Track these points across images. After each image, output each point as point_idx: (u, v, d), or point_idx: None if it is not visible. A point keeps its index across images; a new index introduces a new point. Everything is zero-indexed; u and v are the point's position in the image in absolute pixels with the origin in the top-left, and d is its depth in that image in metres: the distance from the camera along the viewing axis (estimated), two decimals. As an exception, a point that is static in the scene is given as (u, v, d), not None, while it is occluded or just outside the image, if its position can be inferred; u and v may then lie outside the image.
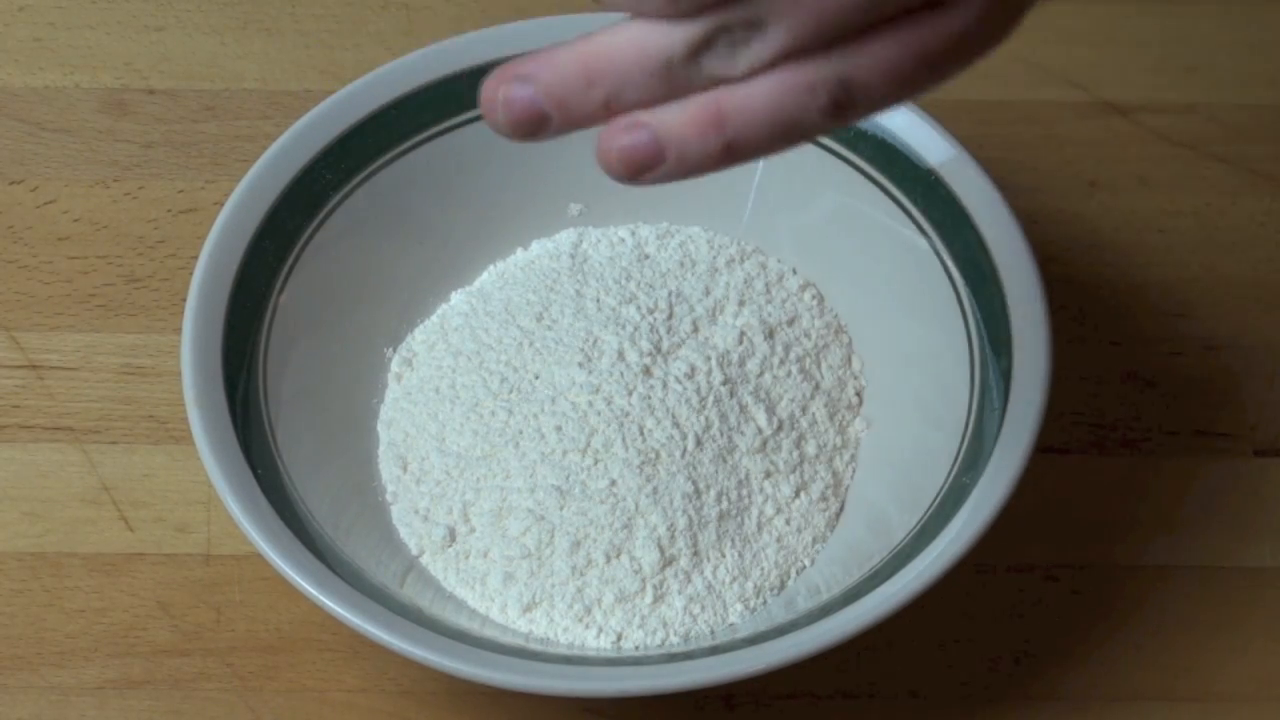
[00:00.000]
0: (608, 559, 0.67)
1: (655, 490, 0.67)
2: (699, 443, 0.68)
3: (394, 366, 0.72)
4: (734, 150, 0.52)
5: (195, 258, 0.69)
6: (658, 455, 0.68)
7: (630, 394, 0.68)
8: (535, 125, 0.53)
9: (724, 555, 0.67)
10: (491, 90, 0.53)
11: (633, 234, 0.74)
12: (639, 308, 0.71)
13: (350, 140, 0.72)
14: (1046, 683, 0.68)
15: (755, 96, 0.51)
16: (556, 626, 0.66)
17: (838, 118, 0.52)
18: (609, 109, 0.52)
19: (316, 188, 0.71)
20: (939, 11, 0.52)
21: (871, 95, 0.52)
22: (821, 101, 0.51)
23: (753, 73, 0.51)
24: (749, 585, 0.67)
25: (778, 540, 0.68)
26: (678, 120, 0.52)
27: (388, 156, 0.73)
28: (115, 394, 0.74)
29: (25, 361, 0.75)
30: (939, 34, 0.52)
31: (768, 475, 0.69)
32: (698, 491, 0.67)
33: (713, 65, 0.51)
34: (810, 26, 0.51)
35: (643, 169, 0.52)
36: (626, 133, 0.52)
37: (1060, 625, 0.69)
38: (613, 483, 0.67)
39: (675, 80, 0.52)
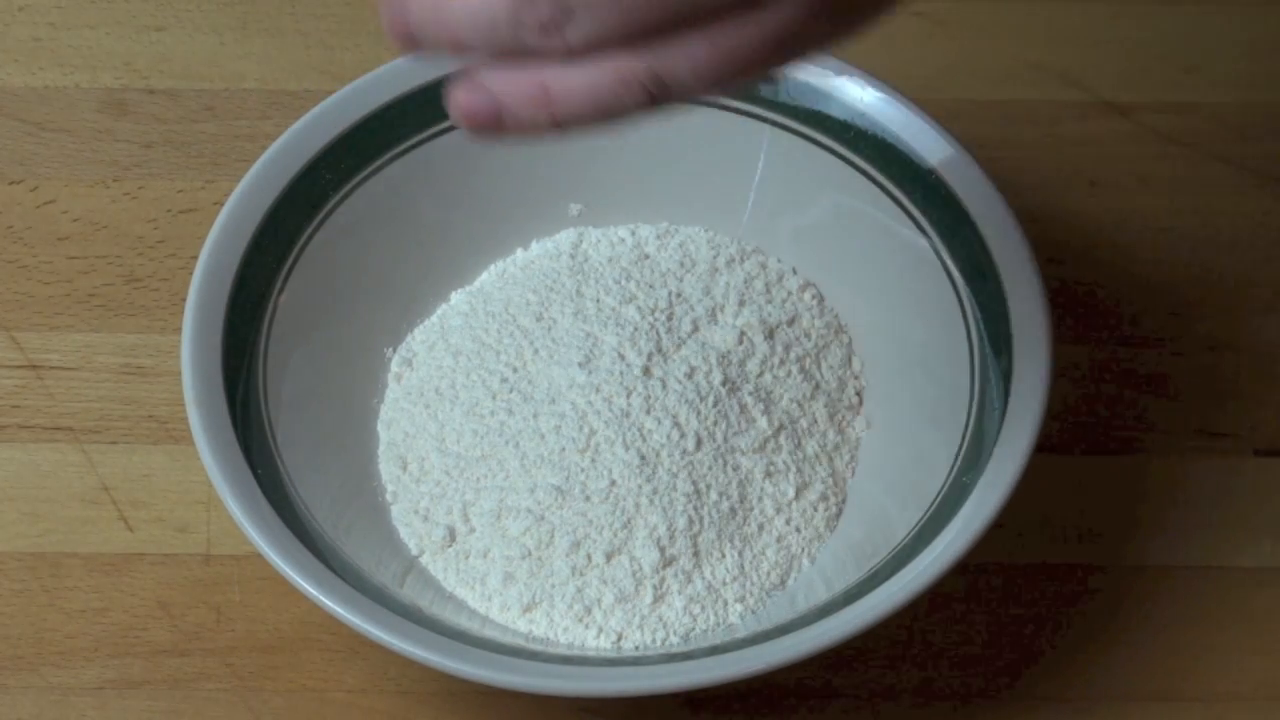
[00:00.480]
0: (608, 559, 0.67)
1: (655, 490, 0.67)
2: (699, 443, 0.68)
3: (394, 366, 0.72)
4: (561, 124, 0.54)
5: (195, 258, 0.69)
6: (658, 455, 0.68)
7: (630, 394, 0.68)
8: (406, 44, 0.55)
9: (724, 555, 0.67)
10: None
11: (633, 234, 0.74)
12: (639, 308, 0.71)
13: (350, 140, 0.72)
14: (1049, 683, 0.68)
15: (575, 80, 0.53)
16: (556, 626, 0.66)
17: (656, 106, 0.54)
18: (458, 49, 0.54)
19: (316, 188, 0.71)
20: (754, 11, 0.53)
21: (686, 89, 0.54)
22: (636, 93, 0.54)
23: (571, 55, 0.53)
24: (749, 585, 0.67)
25: (778, 540, 0.68)
26: (512, 89, 0.54)
27: (388, 156, 0.73)
28: (115, 394, 0.74)
29: (25, 361, 0.74)
30: (753, 33, 0.53)
31: (768, 475, 0.69)
32: (698, 491, 0.67)
33: (531, 39, 0.53)
34: (615, 21, 0.53)
35: (482, 128, 0.54)
36: (468, 92, 0.54)
37: (1062, 625, 0.69)
38: (612, 483, 0.67)
39: (503, 42, 0.53)
